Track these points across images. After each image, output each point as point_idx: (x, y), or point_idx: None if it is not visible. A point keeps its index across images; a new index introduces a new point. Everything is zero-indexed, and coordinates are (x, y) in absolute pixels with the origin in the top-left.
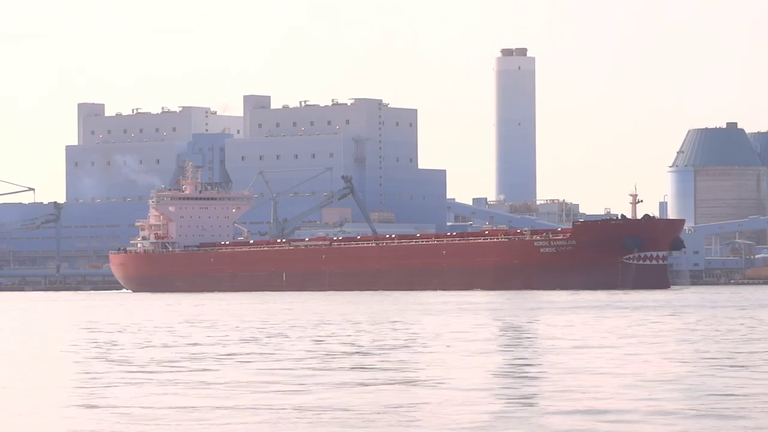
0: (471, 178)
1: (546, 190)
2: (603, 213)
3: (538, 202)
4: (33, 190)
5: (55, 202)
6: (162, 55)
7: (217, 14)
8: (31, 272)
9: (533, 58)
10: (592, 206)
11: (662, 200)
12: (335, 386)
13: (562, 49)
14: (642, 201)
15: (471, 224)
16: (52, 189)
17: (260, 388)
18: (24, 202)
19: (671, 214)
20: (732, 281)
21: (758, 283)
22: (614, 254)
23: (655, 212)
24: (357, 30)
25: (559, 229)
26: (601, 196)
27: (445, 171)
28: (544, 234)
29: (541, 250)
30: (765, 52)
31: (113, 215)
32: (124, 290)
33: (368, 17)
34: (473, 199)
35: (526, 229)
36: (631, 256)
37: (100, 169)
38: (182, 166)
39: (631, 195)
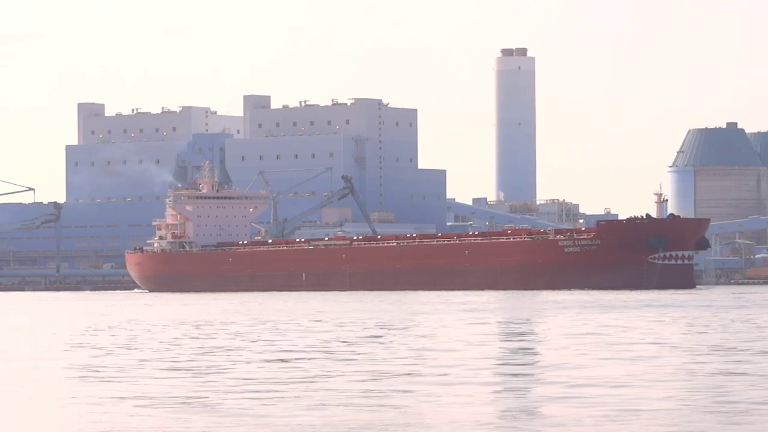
0: (471, 178)
1: (546, 190)
2: (603, 213)
3: (538, 202)
4: (33, 190)
5: (55, 202)
6: (162, 55)
7: (217, 14)
8: (31, 272)
9: (533, 58)
10: (592, 206)
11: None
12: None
13: (562, 49)
14: (666, 200)
15: (471, 224)
16: (52, 189)
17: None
18: (24, 202)
19: None
20: (732, 281)
21: (758, 283)
22: (639, 254)
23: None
24: (357, 30)
25: (584, 228)
26: (601, 196)
27: (445, 171)
28: (569, 233)
29: (566, 249)
30: (765, 52)
31: (113, 215)
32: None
33: (368, 17)
34: (473, 199)
35: (550, 228)
36: (656, 255)
37: (100, 169)
38: (182, 165)
39: (656, 194)
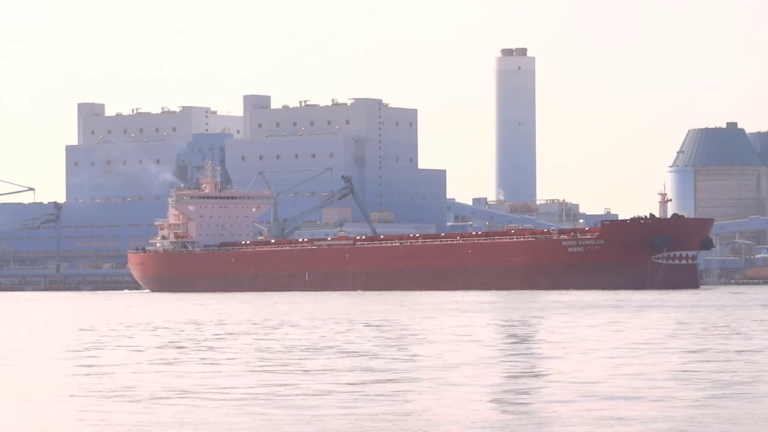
0: (471, 178)
1: (546, 190)
2: (603, 213)
3: (538, 202)
4: (33, 190)
5: (55, 202)
6: (162, 55)
7: (217, 14)
8: (31, 272)
9: (533, 58)
10: (592, 206)
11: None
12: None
13: (562, 49)
14: (671, 200)
15: (471, 224)
16: (52, 189)
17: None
18: (24, 202)
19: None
20: (732, 281)
21: (758, 283)
22: (643, 254)
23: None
24: (357, 30)
25: (587, 228)
26: (601, 196)
27: (445, 171)
28: (572, 233)
29: (570, 249)
30: (765, 52)
31: (113, 215)
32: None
33: (368, 17)
34: (473, 199)
35: (553, 228)
36: (659, 255)
37: (100, 169)
38: (182, 165)
39: (659, 194)
